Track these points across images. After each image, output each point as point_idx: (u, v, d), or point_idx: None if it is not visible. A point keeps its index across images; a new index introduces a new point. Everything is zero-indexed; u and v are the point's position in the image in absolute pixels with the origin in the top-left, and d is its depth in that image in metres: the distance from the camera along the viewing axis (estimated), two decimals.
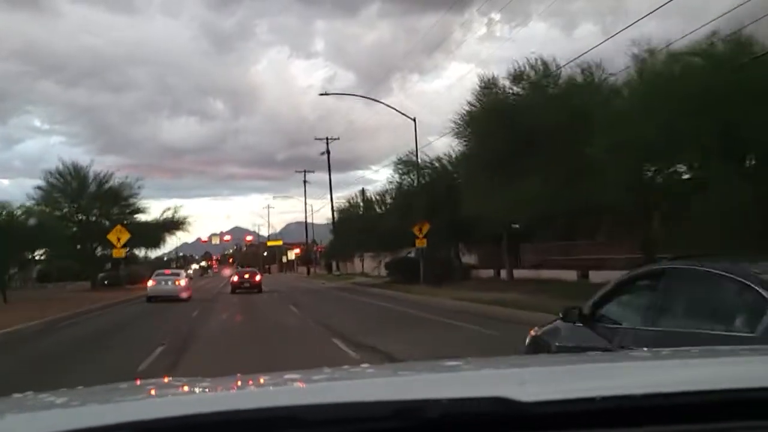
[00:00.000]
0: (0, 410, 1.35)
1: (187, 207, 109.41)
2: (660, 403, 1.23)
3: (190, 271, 73.23)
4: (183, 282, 29.81)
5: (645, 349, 3.09)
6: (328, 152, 61.17)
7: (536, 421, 1.20)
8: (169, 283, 29.35)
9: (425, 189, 31.99)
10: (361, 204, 39.21)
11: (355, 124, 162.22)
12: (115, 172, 42.28)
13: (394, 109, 35.57)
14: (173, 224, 44.67)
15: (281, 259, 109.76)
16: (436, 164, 33.01)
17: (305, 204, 78.79)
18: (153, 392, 1.75)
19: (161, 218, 44.00)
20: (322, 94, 43.75)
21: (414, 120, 34.92)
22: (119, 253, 33.66)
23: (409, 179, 33.62)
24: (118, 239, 33.52)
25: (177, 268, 55.04)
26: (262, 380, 1.78)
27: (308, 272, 79.23)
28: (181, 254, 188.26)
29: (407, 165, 33.25)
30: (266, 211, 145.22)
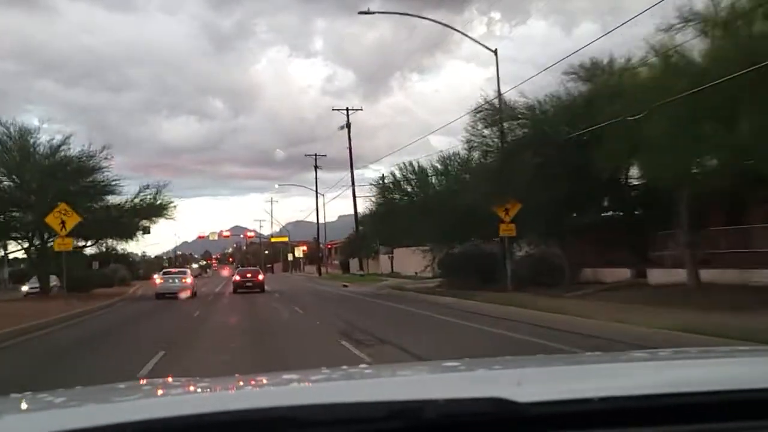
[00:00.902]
0: None
1: (187, 207, 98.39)
2: (657, 404, 1.23)
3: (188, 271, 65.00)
4: (188, 280, 31.38)
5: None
6: (349, 126, 50.48)
7: (533, 421, 1.18)
8: (176, 281, 30.66)
9: (519, 148, 21.16)
10: (413, 178, 27.97)
11: (356, 123, 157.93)
12: (71, 136, 31.16)
13: (471, 38, 25.21)
14: (153, 210, 33.69)
15: (285, 258, 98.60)
16: (538, 112, 22.01)
17: (316, 193, 68.06)
18: (152, 392, 1.70)
19: (137, 200, 32.94)
20: (361, 13, 36.12)
21: (495, 52, 24.28)
22: (64, 244, 22.88)
23: (492, 137, 22.66)
24: (62, 224, 22.74)
25: (173, 267, 57.38)
26: (261, 380, 1.78)
27: (320, 272, 68.34)
28: (179, 253, 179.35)
29: (492, 114, 22.24)
30: (265, 211, 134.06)
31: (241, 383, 1.77)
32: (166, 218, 35.00)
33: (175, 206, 34.56)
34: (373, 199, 29.54)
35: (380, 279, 43.79)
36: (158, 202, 33.68)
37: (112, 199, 32.87)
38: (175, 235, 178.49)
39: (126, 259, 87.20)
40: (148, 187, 32.96)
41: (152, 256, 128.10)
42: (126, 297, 33.07)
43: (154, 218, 34.92)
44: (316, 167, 66.66)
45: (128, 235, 33.71)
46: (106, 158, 32.17)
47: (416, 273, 42.77)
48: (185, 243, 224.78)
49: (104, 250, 71.83)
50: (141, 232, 34.94)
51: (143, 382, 1.88)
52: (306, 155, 67.54)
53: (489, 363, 1.92)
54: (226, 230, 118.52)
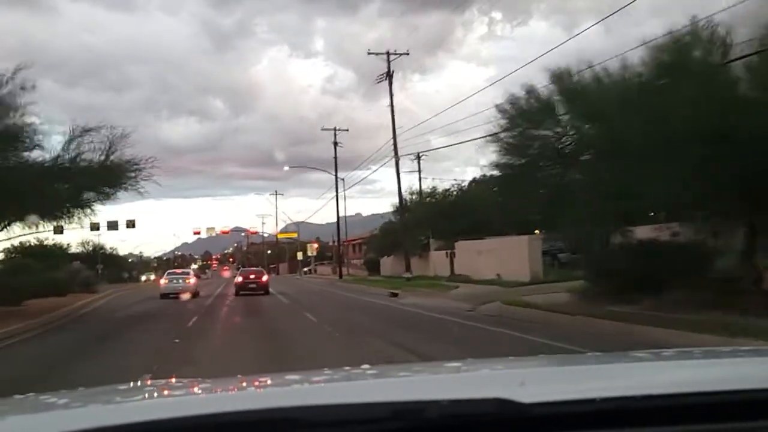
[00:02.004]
0: (1, 411, 1.31)
1: (188, 207, 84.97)
2: (660, 404, 1.21)
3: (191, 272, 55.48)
4: (192, 281, 32.71)
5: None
6: (391, 75, 37.36)
7: (536, 422, 1.17)
8: (180, 281, 32.04)
9: None
10: (559, 111, 14.29)
11: (355, 123, 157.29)
12: None
13: None
14: (103, 174, 20.34)
15: (293, 257, 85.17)
16: None
17: (336, 176, 55.06)
18: (154, 394, 1.68)
19: (69, 155, 19.50)
20: None
21: None
22: None
23: None
24: None
25: (164, 268, 59.15)
26: (264, 381, 1.76)
27: (340, 274, 55.17)
28: (178, 253, 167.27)
29: None
30: (266, 210, 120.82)
31: (245, 384, 1.73)
32: (128, 189, 21.84)
33: (139, 169, 21.37)
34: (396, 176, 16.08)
35: (441, 284, 30.67)
36: (110, 160, 20.47)
37: (34, 156, 19.77)
38: (174, 235, 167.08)
39: (125, 260, 75.11)
40: (89, 130, 19.59)
41: (151, 257, 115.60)
42: (47, 321, 19.11)
43: (107, 189, 21.65)
44: (335, 144, 53.78)
45: (51, 211, 20.22)
46: (23, 88, 18.96)
47: (498, 275, 29.71)
48: (185, 244, 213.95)
49: (91, 249, 59.47)
50: (86, 207, 21.65)
51: (147, 383, 1.83)
52: (323, 129, 54.60)
53: (492, 363, 1.92)
54: (226, 229, 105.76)
